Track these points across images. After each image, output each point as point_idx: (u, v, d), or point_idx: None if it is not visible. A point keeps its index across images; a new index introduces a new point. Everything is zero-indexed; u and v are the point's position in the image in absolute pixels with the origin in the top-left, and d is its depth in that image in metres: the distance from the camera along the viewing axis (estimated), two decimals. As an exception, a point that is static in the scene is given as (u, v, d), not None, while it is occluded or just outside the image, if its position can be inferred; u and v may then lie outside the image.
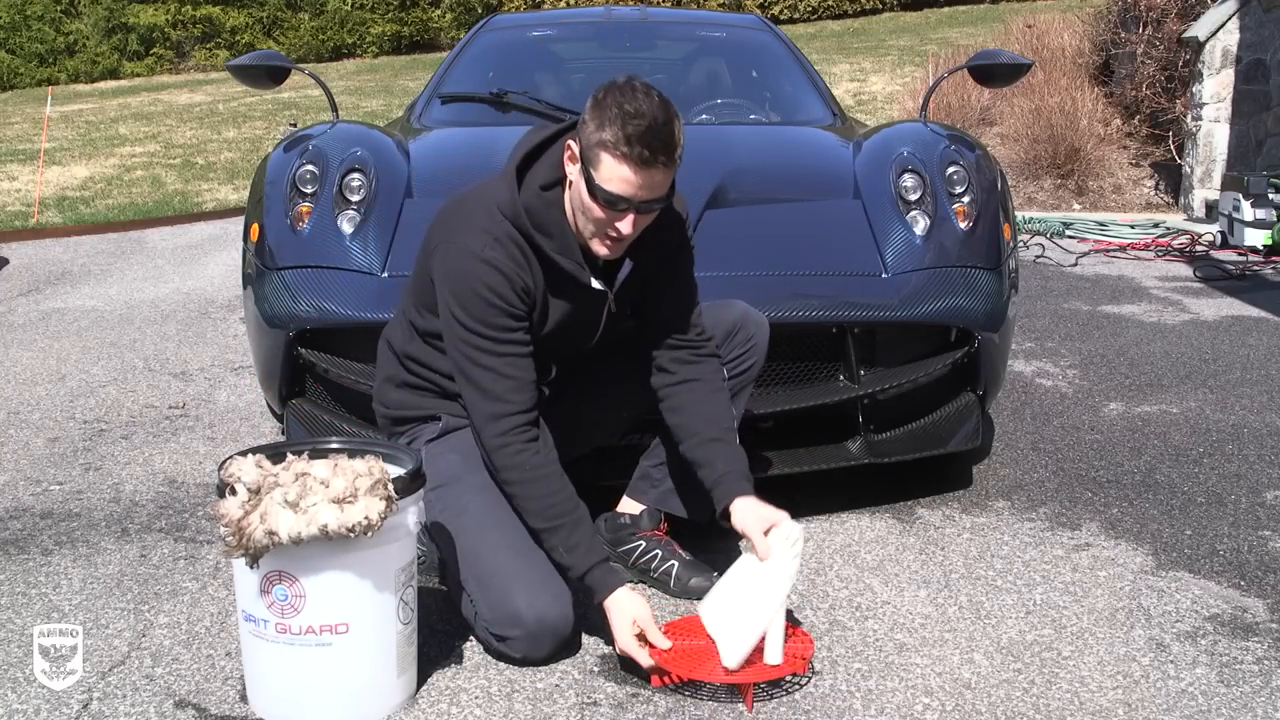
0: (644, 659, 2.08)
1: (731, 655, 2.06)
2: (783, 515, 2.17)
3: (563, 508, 2.16)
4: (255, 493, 1.85)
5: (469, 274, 2.16)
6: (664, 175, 2.08)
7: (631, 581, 2.39)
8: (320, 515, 1.82)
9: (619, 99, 2.04)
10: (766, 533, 2.15)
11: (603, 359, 2.49)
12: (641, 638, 2.10)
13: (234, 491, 1.87)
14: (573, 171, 2.14)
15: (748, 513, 2.21)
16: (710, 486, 2.29)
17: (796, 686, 2.08)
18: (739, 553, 2.69)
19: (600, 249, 2.18)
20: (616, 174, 2.05)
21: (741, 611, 2.10)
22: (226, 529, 1.85)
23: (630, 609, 2.11)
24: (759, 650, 2.09)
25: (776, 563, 2.12)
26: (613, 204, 2.08)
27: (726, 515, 2.26)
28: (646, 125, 2.01)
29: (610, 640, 2.15)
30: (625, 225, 2.11)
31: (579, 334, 2.36)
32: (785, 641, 2.10)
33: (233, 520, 1.84)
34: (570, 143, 2.14)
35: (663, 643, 2.10)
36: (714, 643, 2.13)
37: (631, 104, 2.03)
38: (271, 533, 1.82)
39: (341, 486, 1.85)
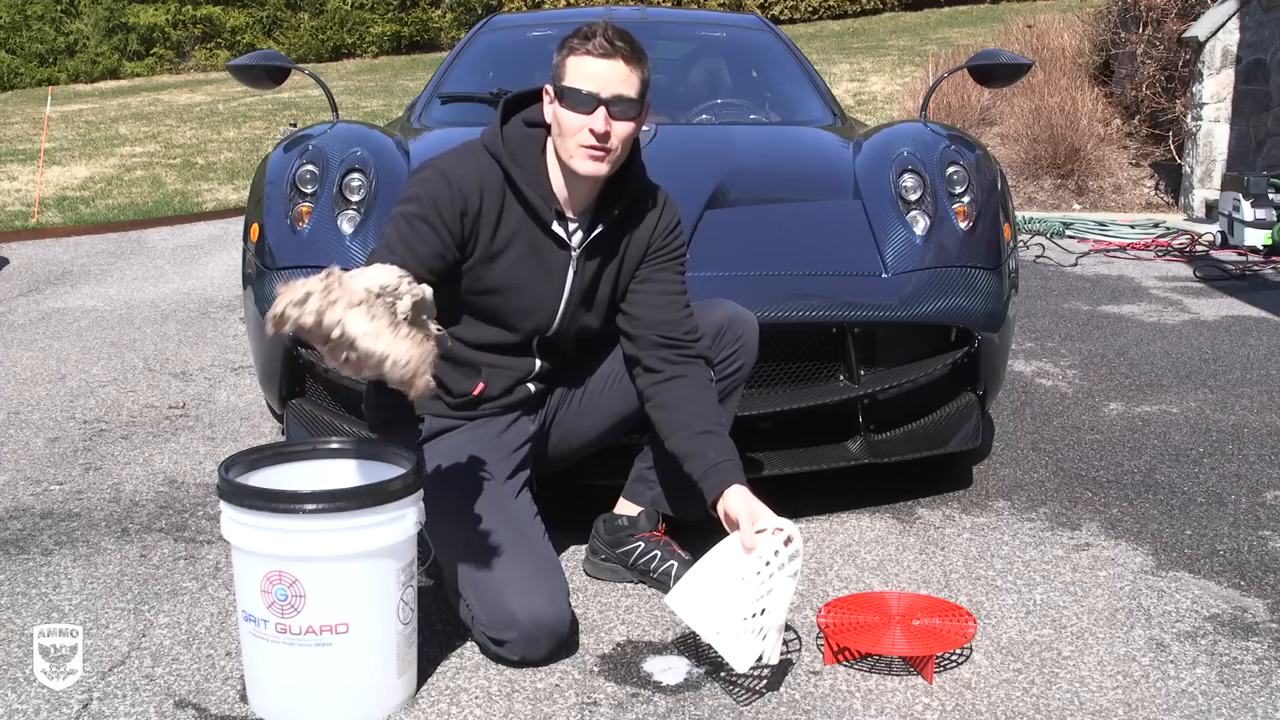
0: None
1: (737, 658, 1.99)
2: (772, 515, 2.12)
3: None
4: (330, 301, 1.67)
5: (422, 179, 2.23)
6: (629, 70, 2.16)
7: None
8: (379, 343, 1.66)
9: (581, 28, 2.19)
10: (756, 530, 2.09)
11: (591, 367, 2.49)
12: None
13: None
14: (549, 111, 2.23)
15: (739, 503, 2.14)
16: (700, 476, 2.23)
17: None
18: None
19: (585, 163, 2.20)
20: (581, 69, 2.15)
21: (728, 606, 2.02)
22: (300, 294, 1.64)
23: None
24: (933, 623, 2.18)
25: (760, 559, 2.05)
26: (582, 103, 2.14)
27: (715, 504, 2.21)
28: (604, 27, 2.15)
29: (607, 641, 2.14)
30: (598, 122, 2.15)
31: (540, 295, 2.32)
32: (926, 625, 2.18)
33: (313, 291, 1.64)
34: (548, 86, 2.24)
35: None
36: (880, 619, 2.20)
37: (591, 25, 2.17)
38: (339, 321, 1.64)
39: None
